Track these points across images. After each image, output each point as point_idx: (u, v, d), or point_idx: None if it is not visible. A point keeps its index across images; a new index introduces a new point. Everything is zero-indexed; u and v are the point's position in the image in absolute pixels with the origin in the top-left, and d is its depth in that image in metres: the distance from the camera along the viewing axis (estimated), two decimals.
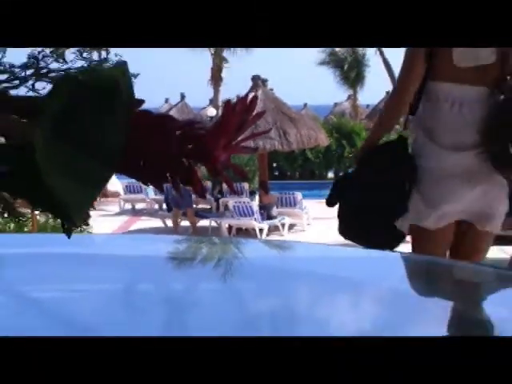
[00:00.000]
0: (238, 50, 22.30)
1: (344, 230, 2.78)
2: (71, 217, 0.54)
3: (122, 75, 0.56)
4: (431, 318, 0.81)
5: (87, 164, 0.53)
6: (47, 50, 0.67)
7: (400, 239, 2.59)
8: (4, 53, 0.65)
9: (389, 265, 1.21)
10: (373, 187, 2.57)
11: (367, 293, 0.96)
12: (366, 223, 2.65)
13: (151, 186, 0.63)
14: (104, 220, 11.03)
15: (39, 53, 0.67)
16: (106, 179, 0.56)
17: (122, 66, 0.57)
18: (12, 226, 4.84)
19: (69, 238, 0.57)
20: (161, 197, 12.23)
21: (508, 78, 2.48)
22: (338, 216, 2.74)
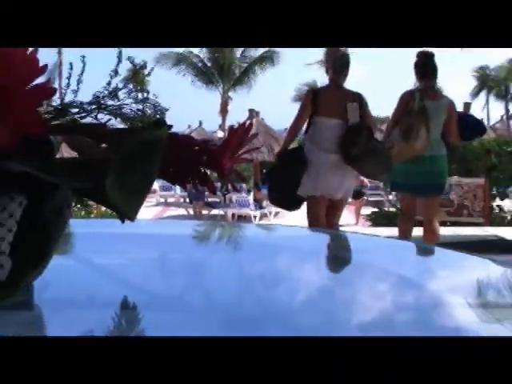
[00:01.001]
0: (239, 89, 22.21)
1: (270, 199, 3.84)
2: (126, 214, 0.54)
3: (162, 134, 0.56)
4: (383, 288, 0.80)
5: (137, 182, 0.53)
6: (106, 92, 0.67)
7: (300, 202, 3.51)
8: (77, 93, 0.65)
9: (345, 241, 1.21)
10: (282, 172, 3.47)
11: (323, 259, 0.96)
12: (280, 194, 3.54)
13: (178, 186, 0.63)
14: (145, 210, 10.97)
15: (100, 93, 0.67)
16: (148, 190, 0.56)
17: (163, 125, 0.57)
18: (82, 213, 4.82)
19: (122, 222, 0.56)
20: (185, 193, 12.20)
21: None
22: (268, 191, 3.69)
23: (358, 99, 3.42)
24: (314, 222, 3.41)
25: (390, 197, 9.56)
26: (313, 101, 3.40)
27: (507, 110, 30.53)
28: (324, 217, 3.43)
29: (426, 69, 3.53)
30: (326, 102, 3.36)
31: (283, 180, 3.42)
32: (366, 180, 10.64)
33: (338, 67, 3.41)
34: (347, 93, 3.44)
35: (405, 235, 3.73)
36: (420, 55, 3.57)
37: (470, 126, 3.77)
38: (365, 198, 10.56)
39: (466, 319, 0.59)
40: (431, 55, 3.57)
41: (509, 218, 7.62)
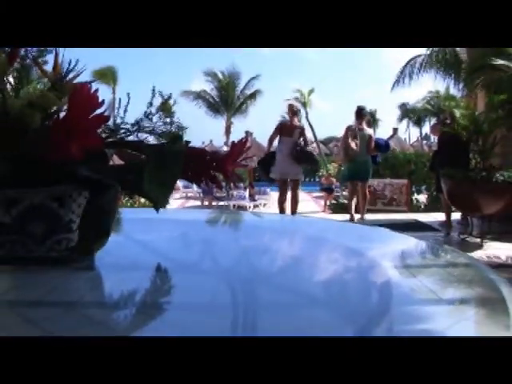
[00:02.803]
0: (238, 117, 22.22)
1: (260, 174, 5.58)
2: (159, 203, 0.54)
3: (182, 147, 0.55)
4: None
5: (166, 178, 0.53)
6: (143, 117, 0.65)
7: (272, 180, 4.91)
8: (123, 119, 0.63)
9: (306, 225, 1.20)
10: (264, 163, 4.88)
11: (294, 236, 0.96)
12: (263, 173, 4.98)
13: (195, 184, 0.63)
14: (172, 202, 10.91)
15: (139, 119, 0.65)
16: (173, 185, 0.55)
17: (181, 140, 0.55)
18: (129, 204, 4.82)
19: (157, 212, 0.55)
20: (200, 189, 12.14)
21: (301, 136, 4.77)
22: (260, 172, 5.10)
23: (301, 128, 4.90)
24: (280, 190, 4.83)
25: (344, 193, 9.60)
26: (280, 129, 4.83)
27: (421, 133, 31.67)
28: (286, 185, 4.79)
29: (358, 114, 5.03)
30: (286, 129, 4.78)
31: (265, 167, 4.86)
32: (334, 180, 10.56)
33: (291, 114, 4.93)
34: (296, 125, 4.94)
35: (350, 206, 5.06)
36: (357, 108, 5.03)
37: (382, 145, 5.32)
38: (335, 193, 10.39)
39: (390, 272, 0.61)
40: (362, 108, 5.05)
41: (422, 206, 7.85)
